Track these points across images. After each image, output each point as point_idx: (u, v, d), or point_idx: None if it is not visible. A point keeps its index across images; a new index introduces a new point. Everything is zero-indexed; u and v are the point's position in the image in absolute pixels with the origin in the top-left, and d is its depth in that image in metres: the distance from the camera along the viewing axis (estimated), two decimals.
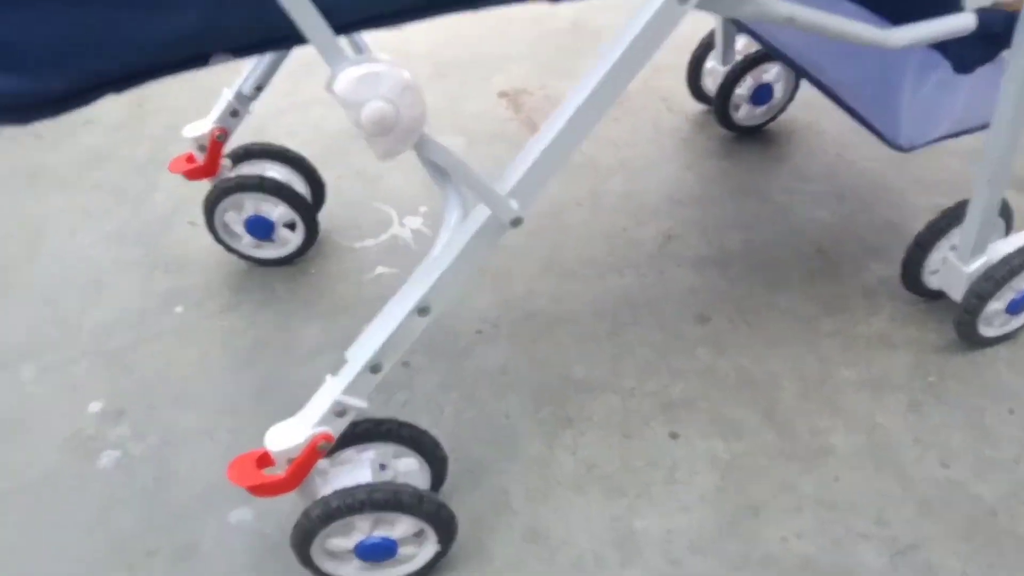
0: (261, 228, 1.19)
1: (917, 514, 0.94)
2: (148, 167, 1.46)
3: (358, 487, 0.78)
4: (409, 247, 1.28)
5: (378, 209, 1.36)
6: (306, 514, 0.78)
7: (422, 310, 0.77)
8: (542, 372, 1.09)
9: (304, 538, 0.80)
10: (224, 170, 1.17)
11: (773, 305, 1.17)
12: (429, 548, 0.85)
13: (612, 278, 1.22)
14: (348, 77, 0.62)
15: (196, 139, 1.13)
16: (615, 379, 1.08)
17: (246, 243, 1.22)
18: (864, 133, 1.07)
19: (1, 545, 0.93)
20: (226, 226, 1.20)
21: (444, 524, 0.82)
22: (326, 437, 0.77)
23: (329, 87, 0.63)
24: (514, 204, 0.74)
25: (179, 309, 1.19)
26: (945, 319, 1.13)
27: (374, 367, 0.77)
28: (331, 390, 0.77)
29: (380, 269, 1.25)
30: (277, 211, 1.18)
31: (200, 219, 1.32)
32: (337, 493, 0.78)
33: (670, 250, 1.25)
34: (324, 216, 1.28)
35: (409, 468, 0.88)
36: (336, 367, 1.00)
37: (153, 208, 1.37)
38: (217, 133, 1.13)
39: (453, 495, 0.94)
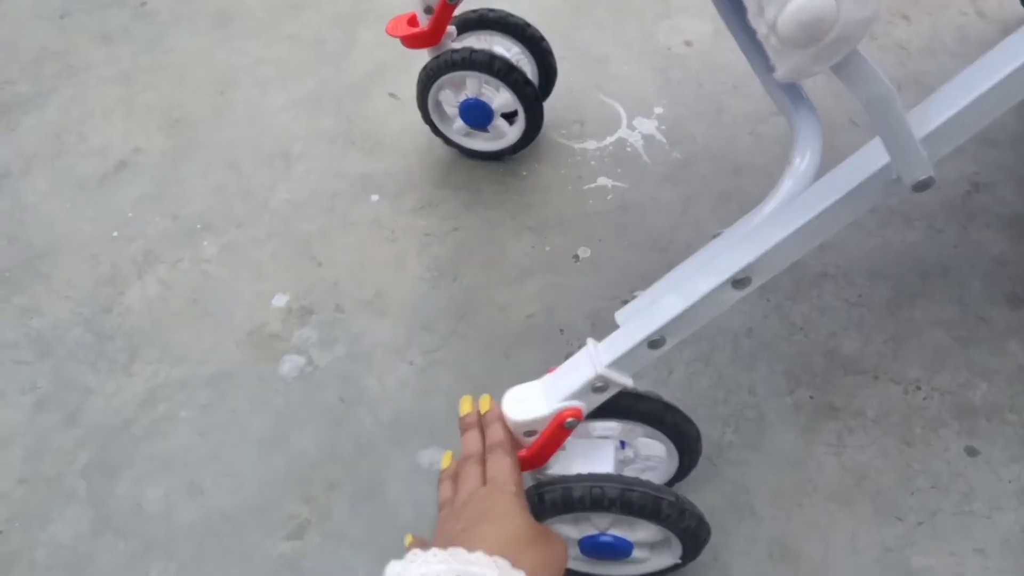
0: (478, 114, 1.00)
1: None
2: (348, 19, 1.29)
3: (608, 479, 0.62)
4: (638, 156, 1.07)
5: (604, 103, 1.14)
6: (539, 496, 0.62)
7: (740, 281, 0.57)
8: (801, 341, 0.88)
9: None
10: (448, 39, 0.98)
11: None
12: (666, 557, 0.69)
13: (897, 228, 0.97)
14: None
15: None
16: (896, 365, 0.86)
17: (457, 128, 1.04)
18: None
19: (173, 445, 0.84)
20: (438, 105, 1.02)
21: (696, 541, 0.66)
22: (575, 413, 0.61)
23: None
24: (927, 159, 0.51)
25: (375, 198, 1.04)
26: None
27: (655, 342, 0.59)
28: (594, 360, 0.60)
29: (602, 180, 1.05)
30: (500, 97, 0.99)
31: (402, 92, 1.15)
32: (582, 480, 0.62)
33: (976, 203, 0.98)
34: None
35: (654, 453, 0.71)
36: (547, 293, 0.83)
37: (352, 70, 1.21)
38: None
39: (682, 486, 0.78)
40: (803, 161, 0.60)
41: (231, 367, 0.89)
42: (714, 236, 0.70)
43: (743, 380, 0.86)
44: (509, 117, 1.03)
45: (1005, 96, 0.52)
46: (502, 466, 0.59)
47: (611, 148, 1.08)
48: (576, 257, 0.97)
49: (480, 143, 1.05)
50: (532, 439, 0.62)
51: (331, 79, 1.19)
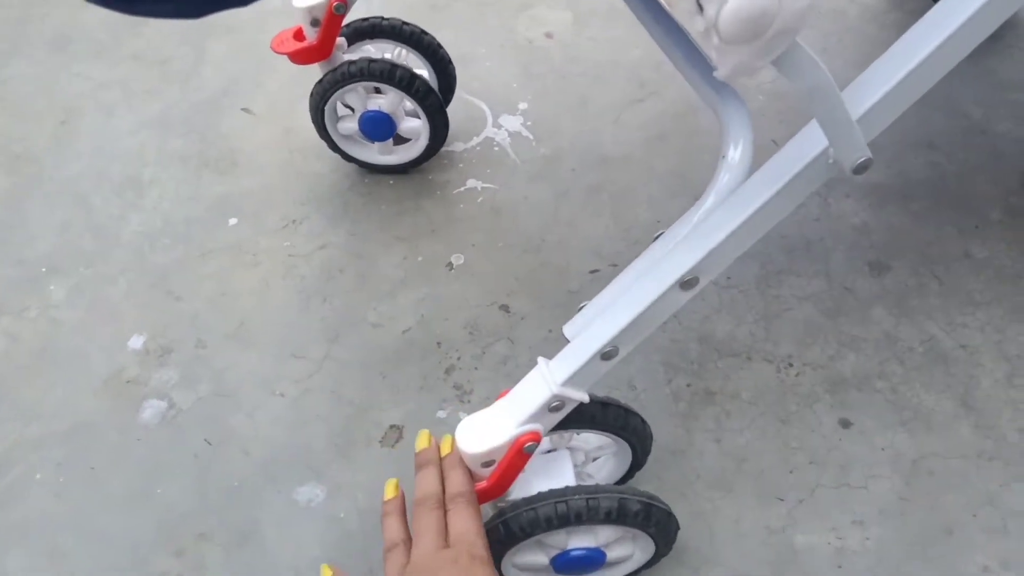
0: (380, 127, 0.96)
1: None
2: (195, 33, 1.22)
3: (570, 492, 0.60)
4: (506, 155, 1.05)
5: (468, 103, 1.12)
6: (504, 525, 0.60)
7: (687, 283, 0.56)
8: (675, 329, 0.88)
9: (499, 551, 0.62)
10: (339, 52, 0.93)
11: (968, 254, 0.93)
12: (640, 556, 0.68)
13: None
14: None
15: (309, 10, 0.88)
16: (768, 344, 0.86)
17: (359, 144, 1.00)
18: None
19: (31, 511, 0.78)
20: (337, 124, 0.97)
21: (668, 535, 0.65)
22: (534, 437, 0.58)
23: None
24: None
25: (233, 221, 0.99)
26: None
27: (607, 353, 0.58)
28: (547, 379, 0.58)
29: (472, 182, 1.02)
30: (401, 108, 0.96)
31: (257, 106, 1.10)
32: (544, 499, 0.59)
33: (836, 174, 1.00)
34: None
35: (606, 454, 0.70)
36: (422, 305, 0.81)
37: (201, 87, 1.15)
38: (336, 3, 0.88)
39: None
40: (736, 152, 0.59)
41: (88, 419, 0.84)
42: (657, 237, 0.68)
43: (622, 375, 0.85)
44: (415, 126, 1.00)
45: (933, 70, 0.52)
46: (468, 524, 0.54)
47: (478, 149, 1.06)
48: (450, 265, 0.95)
49: (383, 156, 1.01)
50: (490, 469, 0.60)
51: (180, 98, 1.13)
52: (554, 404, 0.59)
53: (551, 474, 0.65)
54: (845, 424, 0.81)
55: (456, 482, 0.57)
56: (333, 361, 0.86)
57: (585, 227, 0.97)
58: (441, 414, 0.83)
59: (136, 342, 0.89)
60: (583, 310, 0.68)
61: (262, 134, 1.07)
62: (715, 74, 0.44)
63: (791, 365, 0.85)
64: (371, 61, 0.90)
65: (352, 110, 0.97)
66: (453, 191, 1.01)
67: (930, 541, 0.74)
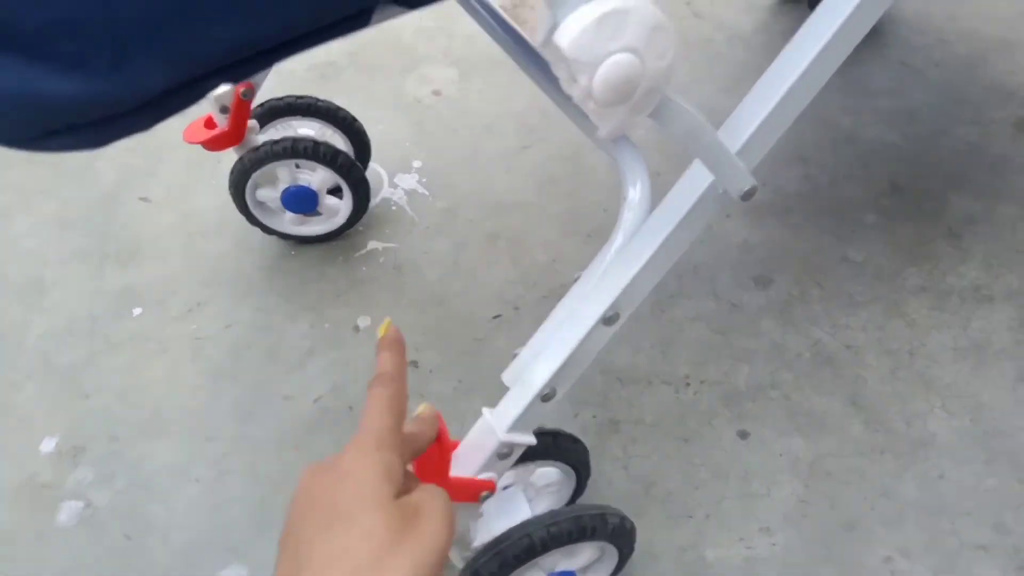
0: (303, 200, 0.98)
1: None
2: None
3: (528, 525, 0.62)
4: (404, 213, 1.08)
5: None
6: (475, 573, 0.61)
7: (609, 319, 0.60)
8: None
9: None
10: (252, 134, 0.95)
11: (846, 259, 0.98)
12: (607, 564, 0.71)
13: None
14: (581, 23, 0.42)
15: (217, 98, 0.90)
16: (666, 366, 0.90)
17: (287, 220, 1.02)
18: (929, 33, 0.86)
19: None
20: (260, 203, 0.99)
21: (628, 538, 0.68)
22: (488, 486, 0.61)
23: (544, 42, 0.43)
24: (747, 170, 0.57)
25: (137, 311, 1.00)
26: None
27: (547, 395, 0.61)
28: (493, 429, 0.61)
29: (372, 244, 1.05)
30: (318, 177, 0.98)
31: (153, 194, 1.11)
32: (507, 538, 0.62)
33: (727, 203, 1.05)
34: None
35: (552, 480, 0.73)
36: (332, 371, 0.82)
37: (97, 181, 1.16)
38: (243, 89, 0.90)
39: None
40: (636, 192, 0.61)
41: (3, 528, 0.83)
42: (576, 279, 0.71)
43: None
44: (335, 192, 1.02)
45: (802, 95, 0.57)
46: (371, 404, 0.46)
47: (376, 210, 1.09)
48: (356, 328, 0.97)
49: (311, 227, 1.03)
50: None
51: (76, 195, 1.14)
52: (503, 451, 0.61)
53: (510, 513, 0.66)
54: (743, 435, 0.84)
55: (382, 362, 0.51)
56: (246, 440, 0.87)
57: (485, 275, 1.01)
58: None
59: (48, 445, 0.89)
60: (518, 356, 0.70)
61: (161, 221, 1.08)
62: (597, 134, 0.48)
63: (688, 384, 0.89)
64: (295, 140, 0.93)
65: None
66: (355, 254, 1.04)
67: (833, 539, 0.78)
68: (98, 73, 0.38)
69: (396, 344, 0.52)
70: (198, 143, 0.93)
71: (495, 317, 0.96)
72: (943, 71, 1.19)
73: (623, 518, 0.67)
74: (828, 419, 0.85)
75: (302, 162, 0.96)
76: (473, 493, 0.61)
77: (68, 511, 0.84)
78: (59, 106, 0.38)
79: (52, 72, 0.37)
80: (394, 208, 1.09)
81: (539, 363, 0.61)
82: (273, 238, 1.05)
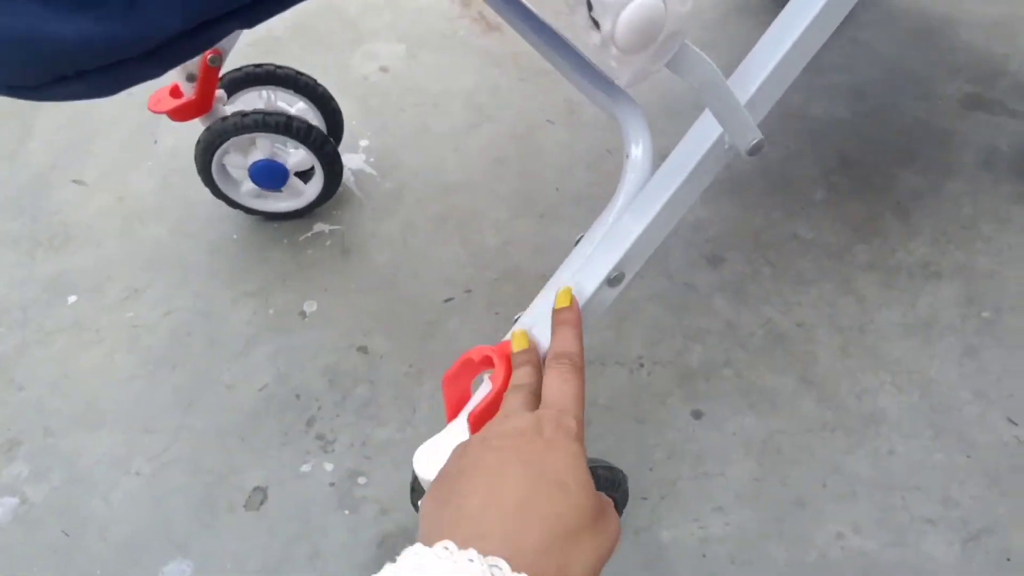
0: (271, 175, 0.94)
1: (987, 487, 0.79)
2: (23, 107, 1.17)
3: None
4: (351, 194, 1.05)
5: None
6: None
7: (614, 280, 0.60)
8: None
9: None
10: (219, 104, 0.91)
11: (796, 236, 0.98)
12: None
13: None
14: None
15: (184, 66, 0.86)
16: (619, 347, 0.89)
17: (244, 192, 0.97)
18: (877, 10, 0.86)
19: None
20: (224, 173, 0.95)
21: (625, 492, 0.69)
22: None
23: None
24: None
25: (72, 298, 0.95)
26: (994, 236, 0.96)
27: None
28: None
29: (319, 226, 1.02)
30: (295, 156, 0.95)
31: (88, 176, 1.07)
32: None
33: (733, 158, 1.04)
34: None
35: None
36: (277, 359, 0.81)
37: (29, 163, 1.10)
38: (211, 56, 0.85)
39: None
40: (639, 150, 0.61)
41: None
42: (577, 241, 0.69)
43: None
44: (305, 172, 0.98)
45: (807, 48, 0.57)
46: (564, 387, 0.45)
47: None
48: (303, 313, 0.94)
49: (277, 203, 1.00)
50: None
51: (6, 177, 1.09)
52: None
53: None
54: (697, 415, 0.84)
55: (564, 340, 0.50)
56: (188, 430, 0.84)
57: (435, 256, 0.98)
58: (305, 468, 0.82)
59: None
60: (518, 320, 0.68)
61: (95, 204, 1.03)
62: (617, 82, 0.47)
63: (642, 365, 0.88)
64: (266, 113, 0.89)
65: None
66: (300, 237, 1.01)
67: (785, 516, 0.78)
68: (112, 14, 0.37)
69: (578, 321, 0.53)
70: (163, 112, 0.89)
71: (446, 300, 0.94)
72: (891, 47, 1.20)
73: (613, 468, 0.66)
74: (780, 397, 0.85)
75: (286, 140, 0.92)
76: None
77: (2, 508, 0.80)
78: (72, 49, 0.37)
79: (65, 13, 0.36)
80: (341, 189, 1.06)
81: (541, 328, 0.60)
82: (212, 220, 1.01)
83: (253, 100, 0.97)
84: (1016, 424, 0.83)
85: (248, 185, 0.96)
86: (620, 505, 0.69)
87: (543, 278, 0.95)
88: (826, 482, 0.80)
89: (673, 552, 0.76)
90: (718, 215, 1.00)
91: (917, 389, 0.86)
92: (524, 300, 0.94)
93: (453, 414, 0.61)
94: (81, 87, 0.40)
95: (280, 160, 0.94)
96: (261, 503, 0.79)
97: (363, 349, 0.90)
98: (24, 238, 1.01)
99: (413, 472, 0.67)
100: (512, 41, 1.20)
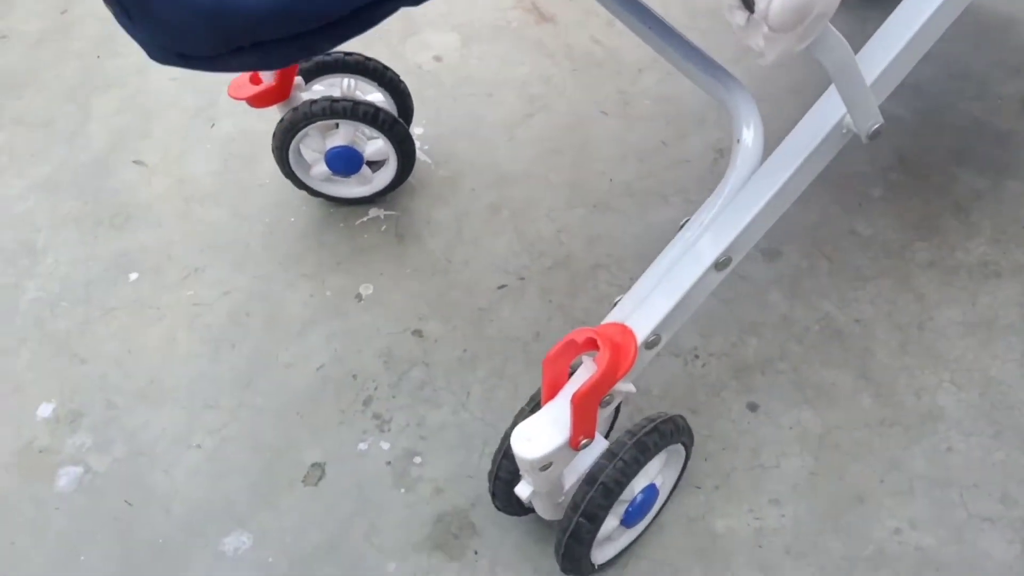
0: (346, 162, 0.96)
1: None
2: (78, 91, 1.20)
3: (614, 447, 0.63)
4: (407, 182, 1.06)
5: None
6: (585, 516, 0.62)
7: (721, 264, 0.60)
8: None
9: (588, 541, 0.65)
10: (298, 91, 0.92)
11: (854, 232, 0.97)
12: (674, 468, 0.74)
13: (655, 208, 1.01)
14: None
15: None
16: (674, 339, 0.88)
17: (315, 174, 0.98)
18: None
19: None
20: (298, 154, 0.96)
21: (689, 434, 0.71)
22: (588, 434, 0.61)
23: None
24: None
25: (133, 276, 0.97)
26: None
27: (651, 342, 0.61)
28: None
29: (374, 211, 1.03)
30: (372, 145, 0.96)
31: (148, 157, 1.09)
32: (602, 468, 0.63)
33: (724, 168, 1.04)
34: None
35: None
36: (334, 340, 0.81)
37: (90, 145, 1.12)
38: None
39: (486, 498, 0.77)
40: (750, 134, 0.62)
41: (2, 495, 0.81)
42: (682, 225, 0.70)
43: (537, 384, 0.86)
44: (379, 161, 1.00)
45: (932, 31, 0.58)
46: None
47: None
48: (359, 296, 0.95)
49: (345, 188, 1.01)
50: (548, 471, 0.61)
51: (68, 158, 1.11)
52: (604, 400, 0.61)
53: (586, 452, 0.66)
54: (752, 407, 0.84)
55: None
56: (247, 408, 0.86)
57: (489, 245, 0.99)
58: (362, 446, 0.83)
59: (45, 410, 0.87)
60: (618, 304, 0.69)
61: (155, 186, 1.05)
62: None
63: (697, 357, 0.88)
64: (333, 100, 0.90)
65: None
66: (356, 222, 1.02)
67: (842, 511, 0.77)
68: None
69: None
70: (242, 99, 0.90)
71: (500, 287, 0.95)
72: (949, 46, 1.18)
73: (678, 416, 0.68)
74: (837, 392, 0.85)
75: (368, 129, 0.94)
76: (575, 441, 0.61)
77: (67, 477, 0.82)
78: (257, 21, 0.39)
79: None
80: None
81: (646, 309, 0.61)
82: (269, 204, 1.03)
83: (330, 87, 0.98)
84: None
85: (320, 168, 0.97)
86: (689, 447, 0.73)
87: (596, 267, 0.96)
88: (884, 478, 0.79)
89: (727, 542, 0.76)
90: None
91: (977, 387, 0.85)
92: (577, 288, 0.94)
93: (550, 395, 0.62)
94: (253, 58, 0.42)
95: (358, 148, 0.95)
96: (319, 480, 0.81)
97: (418, 333, 0.91)
98: (86, 217, 1.04)
99: (494, 474, 0.68)
100: (565, 32, 1.21)
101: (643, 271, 0.95)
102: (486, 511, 0.78)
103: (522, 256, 0.98)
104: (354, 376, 0.88)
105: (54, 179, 1.08)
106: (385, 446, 0.83)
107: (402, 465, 0.81)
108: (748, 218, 0.60)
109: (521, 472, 0.65)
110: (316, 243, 1.00)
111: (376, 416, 0.85)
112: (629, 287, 0.93)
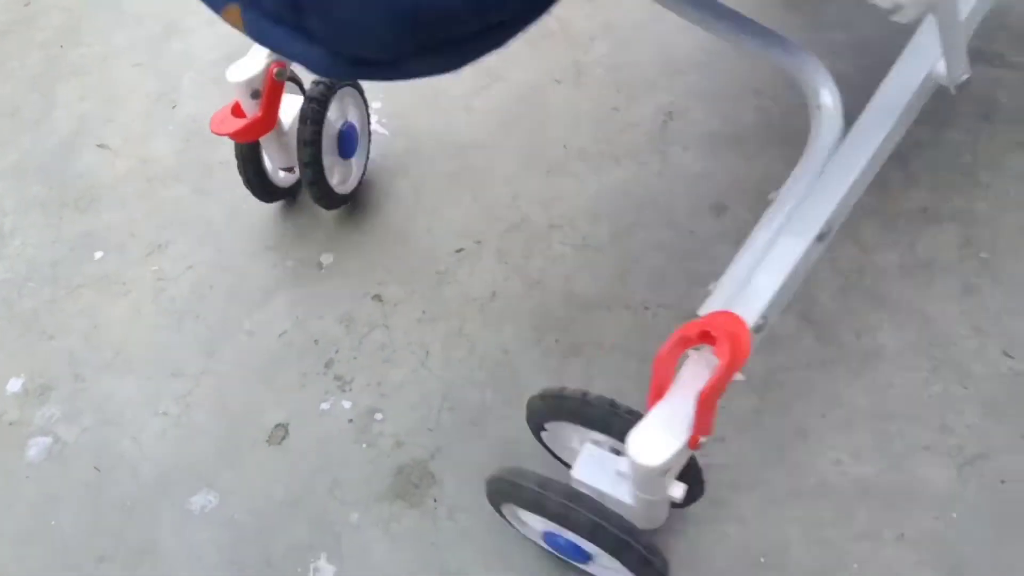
0: (351, 141, 0.99)
1: (983, 416, 0.81)
2: (43, 79, 1.22)
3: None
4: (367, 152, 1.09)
5: None
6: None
7: (823, 235, 0.57)
8: (539, 293, 0.93)
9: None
10: None
11: None
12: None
13: (607, 170, 1.04)
14: None
15: (248, 83, 0.81)
16: (625, 293, 0.92)
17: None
18: None
19: None
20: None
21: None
22: (706, 432, 0.58)
23: None
24: None
25: (99, 255, 1.00)
26: (993, 183, 0.98)
27: (759, 326, 0.57)
28: (708, 363, 0.58)
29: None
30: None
31: (111, 140, 1.11)
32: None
33: (673, 130, 1.07)
34: None
35: None
36: (295, 307, 0.83)
37: (54, 131, 1.15)
38: (276, 69, 0.82)
39: (452, 449, 0.80)
40: (828, 98, 0.60)
41: None
42: (770, 200, 0.67)
43: (494, 341, 0.89)
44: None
45: None
46: None
47: None
48: (319, 265, 0.98)
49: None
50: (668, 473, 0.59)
51: (34, 144, 1.13)
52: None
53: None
54: None
55: None
56: (211, 374, 0.88)
57: (447, 211, 1.02)
58: (325, 406, 0.85)
59: (14, 385, 0.89)
60: (715, 290, 0.66)
61: (119, 167, 1.08)
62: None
63: (647, 308, 0.91)
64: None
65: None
66: None
67: (785, 444, 0.80)
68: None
69: None
70: (226, 134, 0.85)
71: (458, 251, 0.98)
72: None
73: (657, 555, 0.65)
74: (781, 335, 0.88)
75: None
76: (695, 441, 0.59)
77: (37, 447, 0.84)
78: (446, 16, 0.39)
79: None
80: None
81: (752, 292, 0.57)
82: (230, 181, 1.04)
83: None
84: (1012, 357, 0.85)
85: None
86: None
87: (551, 227, 0.99)
88: (826, 413, 0.82)
89: None
90: (720, 166, 1.02)
91: (915, 326, 0.88)
92: (532, 249, 0.97)
93: (658, 394, 0.58)
94: (433, 62, 0.42)
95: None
96: (283, 439, 0.83)
97: (378, 297, 0.94)
98: (52, 200, 1.06)
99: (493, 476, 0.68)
100: None
101: (595, 231, 0.98)
102: (445, 462, 0.81)
103: (479, 221, 1.00)
104: (316, 341, 0.91)
105: (21, 165, 1.10)
106: (347, 405, 0.85)
107: (363, 422, 0.84)
108: (847, 184, 0.57)
109: (635, 482, 0.62)
110: (277, 216, 1.02)
111: (338, 377, 0.87)
112: (583, 245, 0.96)
